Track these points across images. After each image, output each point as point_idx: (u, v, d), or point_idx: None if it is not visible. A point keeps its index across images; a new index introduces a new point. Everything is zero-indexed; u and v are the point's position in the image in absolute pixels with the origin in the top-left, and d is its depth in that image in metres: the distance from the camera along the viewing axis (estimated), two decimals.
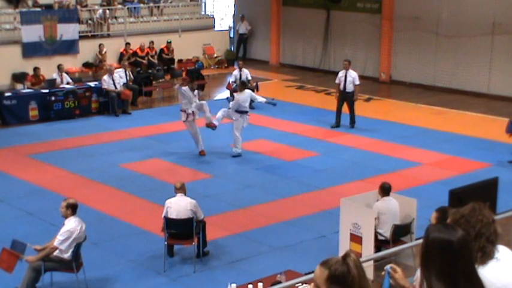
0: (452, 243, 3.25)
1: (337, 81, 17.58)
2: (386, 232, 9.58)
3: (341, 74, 17.49)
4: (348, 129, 17.32)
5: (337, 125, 17.55)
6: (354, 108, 17.52)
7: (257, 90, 20.01)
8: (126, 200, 12.66)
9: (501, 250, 3.78)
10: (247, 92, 15.37)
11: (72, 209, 8.92)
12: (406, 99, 20.95)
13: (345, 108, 17.51)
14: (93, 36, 23.43)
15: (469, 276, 3.28)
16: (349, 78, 17.33)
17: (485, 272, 3.55)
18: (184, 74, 22.14)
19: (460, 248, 3.25)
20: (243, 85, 15.64)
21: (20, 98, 18.18)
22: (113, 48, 23.23)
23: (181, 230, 9.82)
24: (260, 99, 15.80)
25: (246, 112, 15.13)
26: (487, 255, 3.67)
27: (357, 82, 17.37)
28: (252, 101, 19.63)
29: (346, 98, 17.40)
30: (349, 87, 17.33)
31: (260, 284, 7.56)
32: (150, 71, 22.51)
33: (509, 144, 15.18)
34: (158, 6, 25.65)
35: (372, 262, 8.60)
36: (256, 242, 10.78)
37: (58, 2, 22.90)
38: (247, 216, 11.90)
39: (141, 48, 23.49)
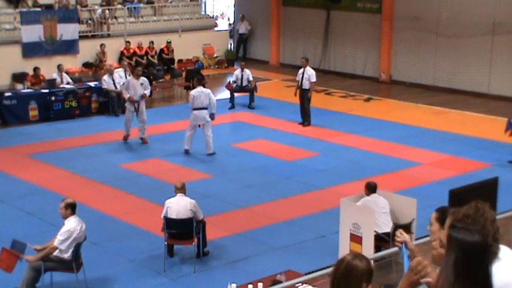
0: (478, 243, 3.30)
1: (297, 78, 17.96)
2: (380, 228, 9.56)
3: (300, 71, 17.84)
4: (348, 130, 17.32)
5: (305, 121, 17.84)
6: (308, 106, 17.71)
7: (255, 91, 20.04)
8: (126, 200, 12.65)
9: (502, 249, 3.78)
10: (205, 89, 15.32)
11: (72, 208, 8.92)
12: (406, 99, 20.95)
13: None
14: (93, 36, 23.44)
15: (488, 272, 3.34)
16: (305, 76, 17.59)
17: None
18: (184, 74, 22.16)
19: (487, 247, 3.31)
20: (198, 81, 15.86)
21: (20, 98, 18.18)
22: (113, 48, 23.22)
23: (181, 230, 9.82)
24: (214, 103, 15.23)
25: (200, 109, 15.04)
26: (493, 254, 3.68)
27: (313, 79, 17.64)
28: (250, 101, 19.77)
29: (302, 94, 17.70)
30: (305, 84, 17.63)
31: (260, 284, 7.56)
32: (145, 70, 22.44)
33: (509, 144, 15.18)
34: (155, 6, 25.63)
35: (371, 262, 8.58)
36: (256, 242, 10.78)
37: (58, 2, 22.90)
38: (247, 216, 11.90)
39: (139, 47, 23.45)
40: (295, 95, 17.96)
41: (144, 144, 15.97)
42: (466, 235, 3.33)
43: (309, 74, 17.62)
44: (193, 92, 15.31)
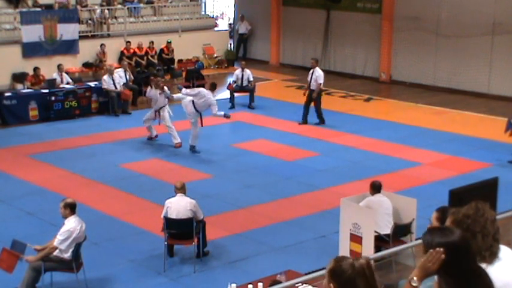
0: (456, 243, 3.31)
1: (308, 78, 18.09)
2: (381, 229, 9.56)
3: (310, 72, 17.99)
4: (348, 130, 17.33)
5: (304, 121, 17.85)
6: (318, 106, 17.76)
7: (254, 91, 20.02)
8: (126, 200, 12.65)
9: (502, 249, 3.79)
10: (212, 96, 15.30)
11: (71, 208, 8.92)
12: (406, 99, 20.95)
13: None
14: (93, 36, 23.44)
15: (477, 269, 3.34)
16: (313, 77, 17.70)
17: (490, 271, 3.55)
18: (184, 74, 22.15)
19: (464, 245, 3.32)
20: (212, 86, 15.99)
21: (20, 98, 18.18)
22: (113, 48, 23.22)
23: (181, 230, 9.82)
24: (216, 111, 15.18)
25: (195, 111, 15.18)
26: (493, 255, 3.68)
27: (320, 81, 17.70)
28: (250, 101, 19.76)
29: (309, 95, 17.84)
30: (313, 85, 17.75)
31: (260, 284, 7.56)
32: (145, 70, 22.44)
33: (509, 144, 15.18)
34: (155, 6, 25.62)
35: (371, 262, 8.59)
36: (256, 242, 10.78)
37: (58, 2, 22.89)
38: (247, 216, 11.89)
39: (139, 47, 23.46)
40: (304, 94, 18.02)
41: (176, 148, 15.55)
42: (437, 237, 3.34)
43: (317, 75, 17.67)
44: (201, 89, 15.57)
